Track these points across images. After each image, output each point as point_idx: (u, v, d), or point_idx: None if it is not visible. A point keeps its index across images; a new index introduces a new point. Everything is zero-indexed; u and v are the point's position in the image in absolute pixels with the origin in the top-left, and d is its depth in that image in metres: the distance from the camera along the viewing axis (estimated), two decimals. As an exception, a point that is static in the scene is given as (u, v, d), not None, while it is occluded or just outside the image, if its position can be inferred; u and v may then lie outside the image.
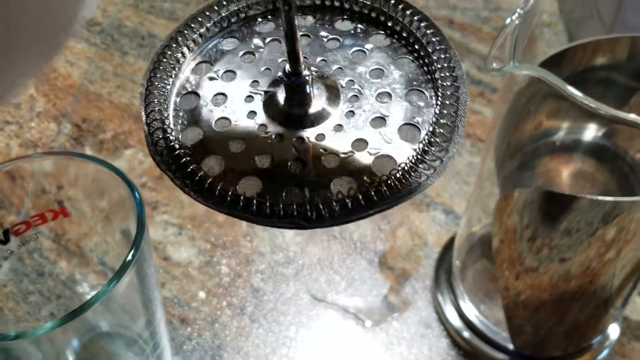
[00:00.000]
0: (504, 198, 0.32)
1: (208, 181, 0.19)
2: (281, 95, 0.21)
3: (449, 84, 0.21)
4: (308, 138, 0.21)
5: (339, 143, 0.20)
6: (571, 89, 0.25)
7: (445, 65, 0.21)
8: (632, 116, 0.24)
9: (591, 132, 0.35)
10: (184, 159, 0.20)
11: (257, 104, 0.21)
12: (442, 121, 0.20)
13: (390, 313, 0.42)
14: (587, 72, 0.34)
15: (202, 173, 0.19)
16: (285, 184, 0.20)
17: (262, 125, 0.21)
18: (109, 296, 0.25)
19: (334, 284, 0.43)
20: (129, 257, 0.25)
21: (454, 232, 0.44)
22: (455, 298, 0.41)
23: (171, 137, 0.20)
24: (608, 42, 0.33)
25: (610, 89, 0.35)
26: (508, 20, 0.27)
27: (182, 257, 0.44)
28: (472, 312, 0.40)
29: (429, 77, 0.21)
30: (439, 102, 0.21)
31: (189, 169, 0.20)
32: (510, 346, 0.39)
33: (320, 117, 0.21)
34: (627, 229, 0.29)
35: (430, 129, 0.20)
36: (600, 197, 0.28)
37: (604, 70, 0.34)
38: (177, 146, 0.20)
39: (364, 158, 0.20)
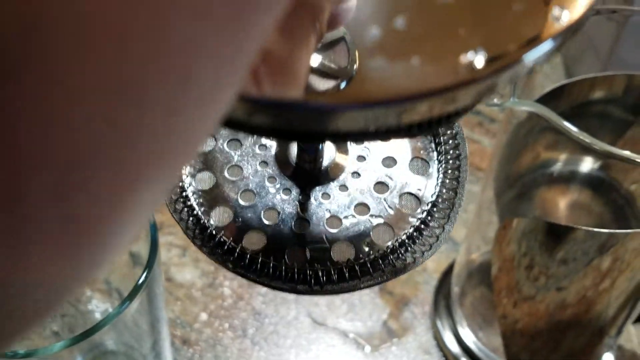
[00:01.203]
0: (503, 227, 0.33)
1: (218, 236, 0.20)
2: (293, 148, 0.22)
3: (451, 160, 0.22)
4: (314, 196, 0.21)
5: (342, 205, 0.21)
6: (567, 125, 0.26)
7: (451, 142, 0.22)
8: (626, 153, 0.25)
9: (587, 165, 0.36)
10: (196, 211, 0.21)
11: (269, 154, 0.22)
12: (441, 198, 0.21)
13: (389, 338, 0.42)
14: (584, 106, 0.35)
15: (212, 228, 0.20)
16: (288, 242, 0.20)
17: (271, 177, 0.22)
18: (119, 317, 0.26)
19: (334, 308, 0.44)
20: (142, 279, 0.25)
21: (453, 258, 0.45)
22: (454, 324, 0.42)
23: (185, 185, 0.21)
24: (605, 79, 0.34)
25: (607, 122, 0.36)
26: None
27: (186, 279, 0.45)
28: (470, 339, 0.41)
29: (434, 147, 0.22)
30: (440, 179, 0.21)
31: (201, 222, 0.20)
32: (508, 373, 0.39)
33: (327, 176, 0.22)
34: (622, 259, 0.30)
35: (430, 206, 0.21)
36: (596, 229, 0.29)
37: (601, 105, 0.35)
38: (190, 196, 0.21)
39: (364, 224, 0.21)
